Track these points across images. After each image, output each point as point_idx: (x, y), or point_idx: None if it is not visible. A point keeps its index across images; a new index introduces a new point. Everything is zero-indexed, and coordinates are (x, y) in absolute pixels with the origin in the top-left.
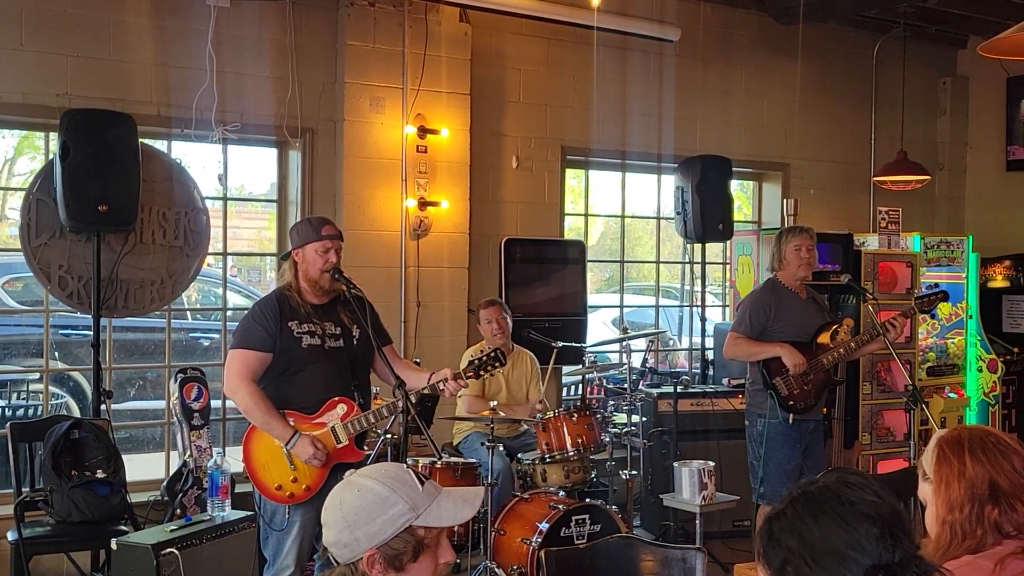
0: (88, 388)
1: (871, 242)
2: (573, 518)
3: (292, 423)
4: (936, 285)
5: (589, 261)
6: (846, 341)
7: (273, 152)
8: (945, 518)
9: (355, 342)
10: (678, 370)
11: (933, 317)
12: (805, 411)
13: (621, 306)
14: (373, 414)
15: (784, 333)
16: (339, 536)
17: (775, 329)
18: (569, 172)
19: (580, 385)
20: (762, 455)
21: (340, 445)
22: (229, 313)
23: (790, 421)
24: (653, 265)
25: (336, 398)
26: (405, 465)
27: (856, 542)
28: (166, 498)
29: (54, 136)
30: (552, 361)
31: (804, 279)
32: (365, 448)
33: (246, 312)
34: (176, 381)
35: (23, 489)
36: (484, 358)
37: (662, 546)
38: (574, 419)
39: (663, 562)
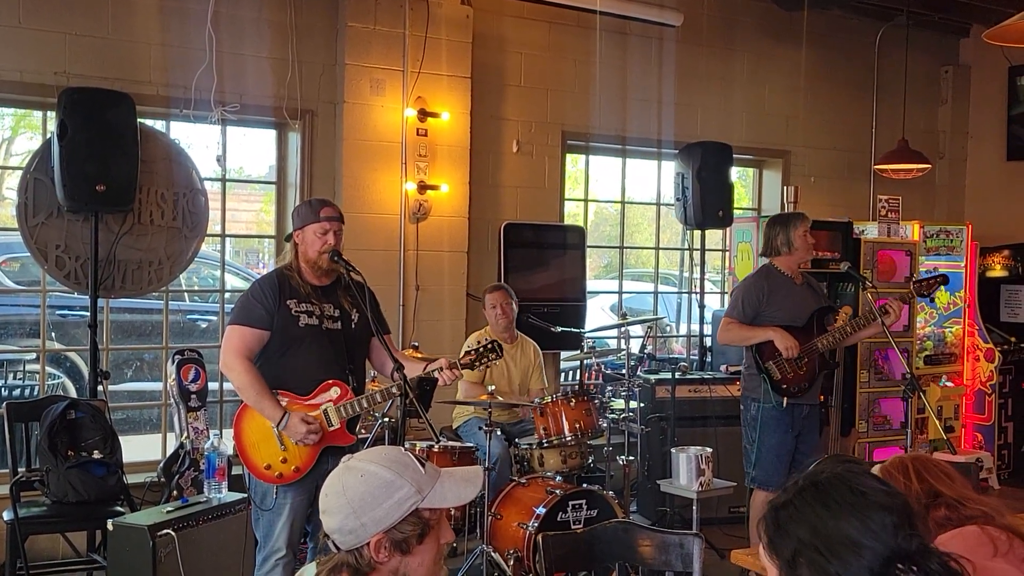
0: (85, 369)
1: (871, 230)
2: (570, 503)
3: (285, 404)
4: (935, 270)
5: (588, 247)
6: (842, 326)
7: (272, 134)
8: None
9: (353, 326)
10: (676, 356)
11: (930, 303)
12: (799, 395)
13: (620, 292)
14: (366, 399)
15: (776, 318)
16: (344, 523)
17: (768, 314)
18: (569, 157)
19: (578, 370)
20: (755, 439)
21: (332, 428)
22: (227, 295)
23: (783, 405)
24: (652, 251)
25: (330, 381)
26: (403, 448)
27: (870, 530)
28: (163, 479)
29: (52, 115)
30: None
31: (805, 264)
32: (363, 432)
33: (246, 289)
34: (174, 362)
35: (19, 469)
36: (481, 349)
37: (660, 531)
38: (572, 404)
39: (660, 547)
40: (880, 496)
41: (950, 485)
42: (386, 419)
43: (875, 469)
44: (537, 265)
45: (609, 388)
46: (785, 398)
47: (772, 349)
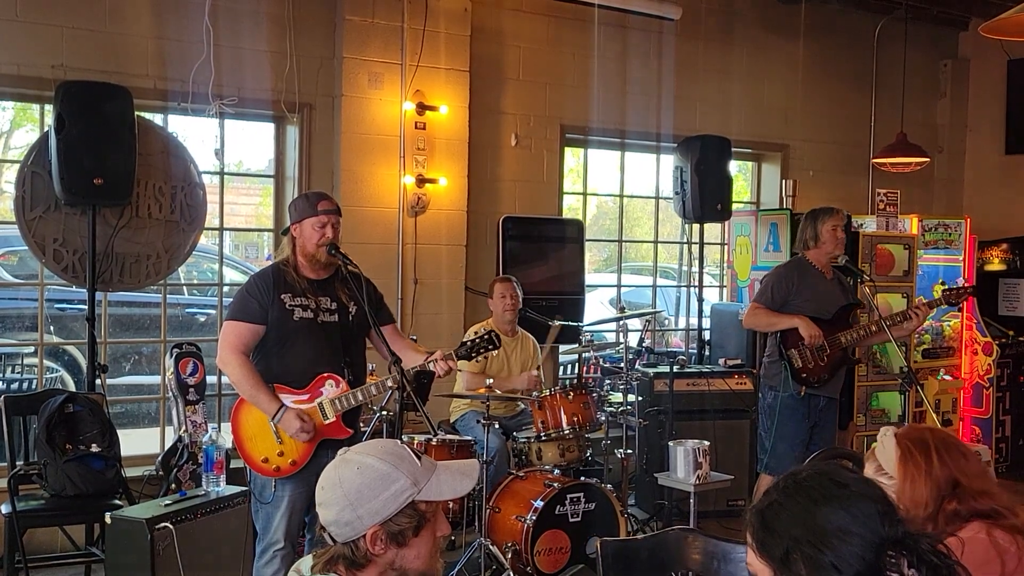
0: (83, 362)
1: (869, 224)
2: (568, 496)
3: (280, 397)
4: (959, 281)
5: (587, 240)
6: (866, 324)
7: (270, 127)
8: (906, 515)
9: (350, 318)
10: (675, 350)
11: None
12: (818, 386)
13: (619, 285)
14: (362, 392)
15: (803, 309)
16: (340, 515)
17: (795, 304)
18: (568, 151)
19: (577, 364)
20: (771, 427)
21: (327, 422)
22: (225, 289)
23: (801, 394)
24: (651, 245)
25: (325, 374)
26: (399, 441)
27: (857, 519)
28: (161, 473)
29: (49, 108)
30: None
31: (835, 257)
32: (361, 425)
33: (242, 284)
34: (172, 356)
35: (17, 462)
36: (477, 340)
37: (723, 540)
38: (570, 397)
39: (724, 557)
40: (861, 487)
41: (968, 473)
42: (384, 412)
43: (888, 434)
44: (536, 259)
45: (607, 381)
46: (804, 387)
47: (796, 337)
